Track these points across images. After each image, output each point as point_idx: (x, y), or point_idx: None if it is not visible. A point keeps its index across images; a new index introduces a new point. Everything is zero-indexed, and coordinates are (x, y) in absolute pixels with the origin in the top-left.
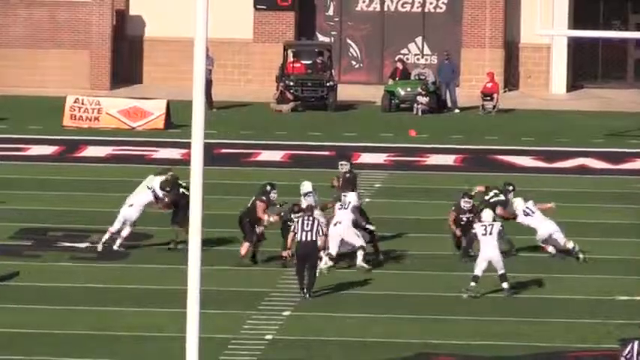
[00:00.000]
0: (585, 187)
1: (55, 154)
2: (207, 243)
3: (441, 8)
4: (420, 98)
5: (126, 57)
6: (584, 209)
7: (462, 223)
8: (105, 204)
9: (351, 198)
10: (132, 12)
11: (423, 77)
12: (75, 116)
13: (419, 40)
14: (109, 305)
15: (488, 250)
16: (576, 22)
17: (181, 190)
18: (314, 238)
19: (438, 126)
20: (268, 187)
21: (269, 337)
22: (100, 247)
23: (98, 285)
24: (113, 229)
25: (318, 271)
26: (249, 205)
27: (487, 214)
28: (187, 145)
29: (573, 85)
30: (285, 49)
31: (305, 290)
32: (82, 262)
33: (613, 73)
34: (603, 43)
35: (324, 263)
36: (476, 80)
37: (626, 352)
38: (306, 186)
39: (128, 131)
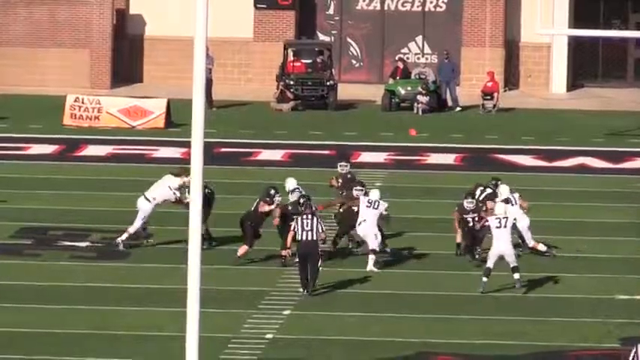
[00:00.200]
0: (585, 186)
1: (56, 153)
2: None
3: (441, 7)
4: (420, 97)
5: (126, 56)
6: (584, 208)
7: (467, 223)
8: (105, 203)
9: (376, 196)
10: (132, 11)
11: (424, 76)
12: (75, 115)
13: (419, 39)
14: (109, 304)
15: (502, 244)
16: (576, 21)
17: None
18: (314, 237)
19: (438, 125)
20: (272, 191)
21: (269, 336)
22: (121, 246)
23: (98, 284)
24: (134, 228)
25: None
26: (252, 208)
27: (500, 208)
28: (187, 144)
29: (573, 84)
30: (285, 48)
31: (306, 287)
32: (82, 262)
33: (613, 72)
34: (603, 43)
35: (373, 264)
36: (476, 79)
37: (631, 357)
38: (291, 182)
39: (128, 130)
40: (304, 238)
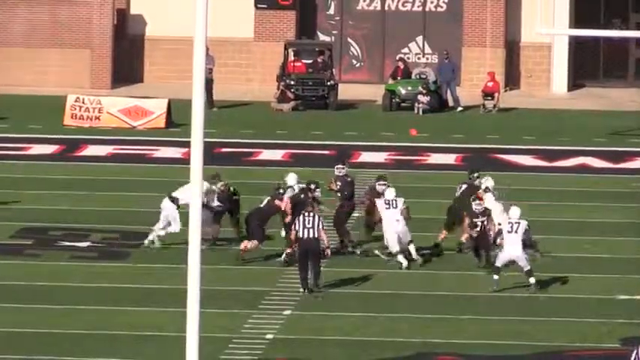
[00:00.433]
0: (586, 186)
1: (56, 153)
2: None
3: (441, 7)
4: (420, 97)
5: (127, 56)
6: (584, 208)
7: (476, 226)
8: (105, 203)
9: (392, 195)
10: (133, 11)
11: (424, 76)
12: (76, 115)
13: (420, 39)
14: (109, 305)
15: (512, 249)
16: (577, 21)
17: (234, 197)
18: (316, 235)
19: (438, 125)
20: (282, 190)
21: (270, 336)
22: (146, 242)
23: (98, 284)
24: (158, 227)
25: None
26: (261, 205)
27: (514, 212)
28: (188, 144)
29: (574, 84)
30: (285, 48)
31: (310, 286)
32: (82, 262)
33: (614, 72)
34: (604, 42)
35: (403, 263)
36: (477, 79)
37: (632, 358)
38: (291, 178)
39: (129, 130)
40: (305, 235)
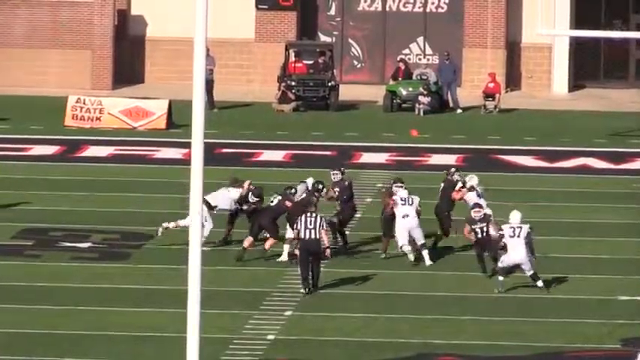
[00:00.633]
0: (587, 186)
1: (57, 154)
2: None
3: (442, 8)
4: (421, 98)
5: (127, 57)
6: (585, 209)
7: (477, 234)
8: (106, 204)
9: (406, 194)
10: (134, 12)
11: (425, 77)
12: (76, 116)
13: (420, 40)
14: (109, 305)
15: (516, 254)
16: (578, 22)
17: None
18: (317, 236)
19: (439, 126)
20: (293, 190)
21: (271, 337)
22: (159, 233)
23: (99, 285)
24: (183, 222)
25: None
26: (272, 204)
27: (515, 216)
28: (189, 145)
29: (575, 85)
30: (286, 49)
31: (312, 286)
32: (82, 263)
33: (615, 73)
34: (605, 43)
35: (429, 258)
36: (477, 80)
37: None
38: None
39: (130, 131)
40: (307, 236)
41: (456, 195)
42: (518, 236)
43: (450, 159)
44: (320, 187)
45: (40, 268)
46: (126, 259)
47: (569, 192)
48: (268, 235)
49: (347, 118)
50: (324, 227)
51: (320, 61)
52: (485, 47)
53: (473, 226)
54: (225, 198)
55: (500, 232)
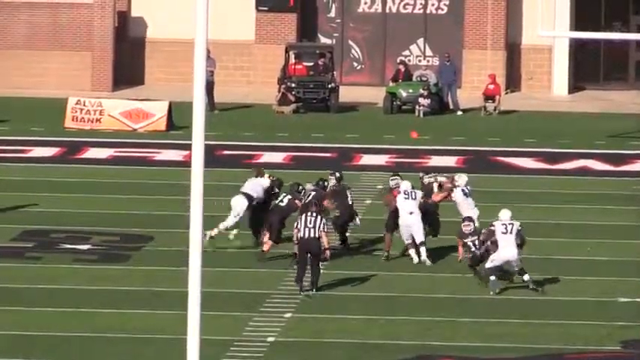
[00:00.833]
0: (587, 188)
1: (57, 155)
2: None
3: (442, 10)
4: (421, 100)
5: (128, 58)
6: (585, 211)
7: (470, 248)
8: (106, 206)
9: (409, 186)
10: (134, 13)
11: (425, 79)
12: (77, 118)
13: (420, 41)
14: (110, 307)
15: (508, 251)
16: (578, 23)
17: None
18: (316, 235)
19: (439, 127)
20: (301, 187)
21: (271, 339)
22: (207, 239)
23: (99, 287)
24: (222, 225)
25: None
26: (282, 204)
27: (505, 213)
28: (189, 147)
29: (575, 86)
30: (286, 51)
31: (311, 286)
32: (83, 264)
33: (614, 74)
34: (605, 45)
35: (427, 256)
36: (478, 82)
37: None
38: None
39: (130, 133)
40: (306, 235)
41: (435, 198)
42: (511, 232)
43: (450, 160)
44: (326, 184)
45: (40, 270)
46: (126, 261)
47: (569, 194)
48: (267, 236)
49: (347, 119)
50: (324, 228)
51: (320, 62)
52: (485, 49)
53: (464, 240)
54: (258, 186)
55: (491, 228)
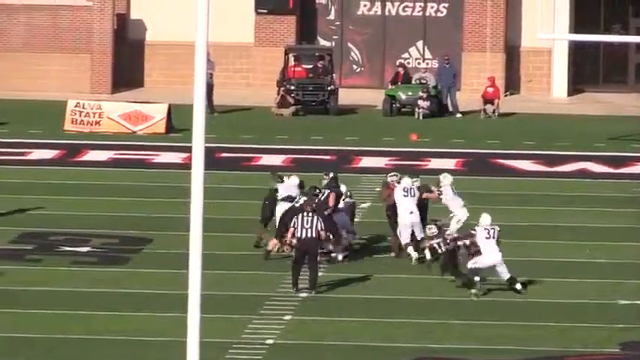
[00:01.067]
0: (586, 190)
1: (56, 158)
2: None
3: (442, 12)
4: (421, 102)
5: (127, 61)
6: (584, 213)
7: (436, 250)
8: (106, 208)
9: (409, 183)
10: (133, 16)
11: (424, 81)
12: (76, 120)
13: (420, 44)
14: (109, 309)
15: (492, 257)
16: (577, 26)
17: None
18: (314, 235)
19: (439, 130)
20: (317, 190)
21: (270, 341)
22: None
23: (99, 289)
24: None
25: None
26: (297, 205)
27: (486, 218)
28: (188, 150)
29: (574, 89)
30: (286, 53)
31: (310, 286)
32: (82, 267)
33: (614, 77)
34: (604, 47)
35: (414, 257)
36: (477, 84)
37: None
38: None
39: (129, 135)
40: (303, 235)
41: (431, 196)
42: (494, 237)
43: (450, 163)
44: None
45: (40, 273)
46: (125, 264)
47: (568, 196)
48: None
49: (346, 122)
50: (322, 227)
51: (319, 65)
52: (484, 51)
53: (431, 242)
54: (292, 187)
55: (473, 232)
